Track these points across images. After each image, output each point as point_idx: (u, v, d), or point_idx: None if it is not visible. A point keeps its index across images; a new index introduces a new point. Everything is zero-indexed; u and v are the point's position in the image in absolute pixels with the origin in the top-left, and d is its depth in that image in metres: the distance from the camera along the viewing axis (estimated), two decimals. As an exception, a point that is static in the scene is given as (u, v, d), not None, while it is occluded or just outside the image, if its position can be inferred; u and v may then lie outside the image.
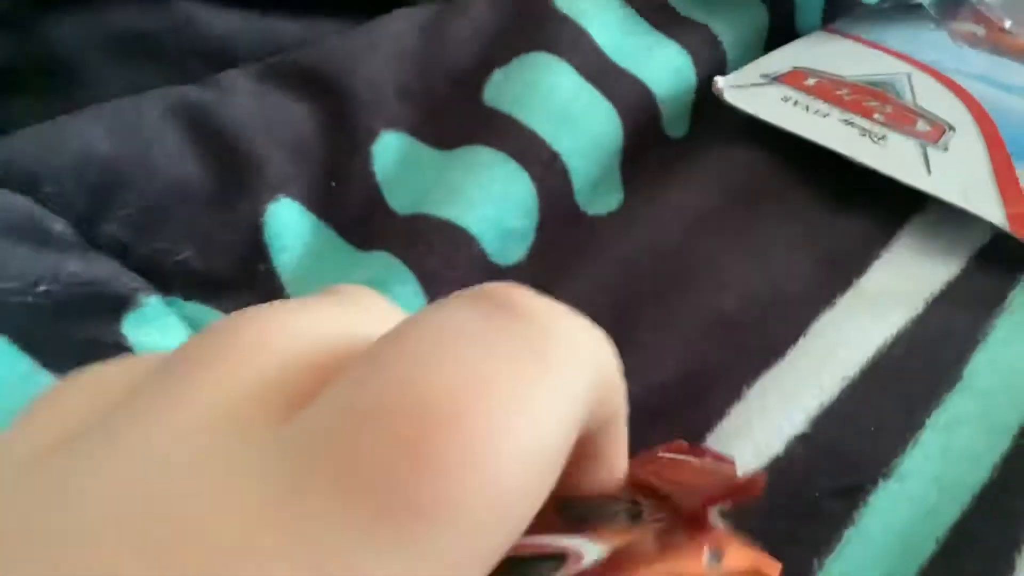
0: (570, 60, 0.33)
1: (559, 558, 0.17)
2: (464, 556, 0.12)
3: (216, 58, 0.34)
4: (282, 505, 0.11)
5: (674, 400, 0.26)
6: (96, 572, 0.11)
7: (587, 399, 0.14)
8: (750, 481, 0.18)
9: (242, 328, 0.14)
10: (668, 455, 0.20)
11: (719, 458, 0.19)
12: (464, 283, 0.20)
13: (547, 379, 0.13)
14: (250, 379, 0.13)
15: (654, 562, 0.16)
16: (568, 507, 0.18)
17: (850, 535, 0.22)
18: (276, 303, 0.15)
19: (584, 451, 0.17)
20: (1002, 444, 0.24)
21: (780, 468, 0.23)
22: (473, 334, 0.14)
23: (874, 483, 0.23)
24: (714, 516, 0.18)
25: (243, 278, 0.29)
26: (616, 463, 0.18)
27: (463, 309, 0.14)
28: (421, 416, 0.12)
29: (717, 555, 0.17)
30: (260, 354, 0.14)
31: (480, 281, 0.15)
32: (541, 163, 0.31)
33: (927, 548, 0.22)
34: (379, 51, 0.33)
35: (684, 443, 0.21)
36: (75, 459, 0.12)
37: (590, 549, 0.17)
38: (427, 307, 0.14)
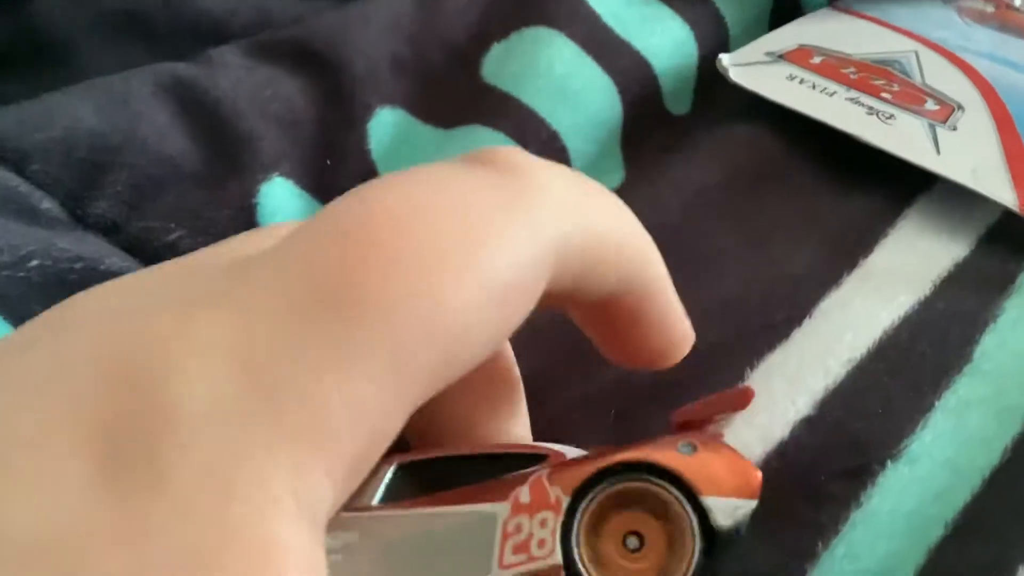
0: (569, 33, 0.32)
1: (540, 457, 0.17)
2: (393, 359, 0.12)
3: (208, 36, 0.33)
4: (225, 292, 0.12)
5: (673, 381, 0.25)
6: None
7: (559, 246, 0.14)
8: (738, 392, 0.18)
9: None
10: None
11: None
12: None
13: (506, 212, 0.14)
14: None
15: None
16: None
17: (856, 517, 0.22)
18: None
19: (615, 315, 0.18)
20: (1013, 427, 0.23)
21: (786, 453, 0.23)
22: (448, 173, 0.14)
23: (882, 465, 0.22)
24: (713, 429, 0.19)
25: None
26: (663, 328, 0.18)
27: (457, 159, 0.15)
28: (367, 221, 0.13)
29: (691, 447, 0.17)
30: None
31: None
32: (539, 142, 0.31)
33: (936, 531, 0.22)
34: (373, 23, 0.32)
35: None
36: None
37: (574, 452, 0.18)
38: None
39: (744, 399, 0.18)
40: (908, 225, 0.29)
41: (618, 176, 0.32)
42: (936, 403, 0.24)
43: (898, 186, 0.30)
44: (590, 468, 0.17)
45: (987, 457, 0.23)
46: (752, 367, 0.25)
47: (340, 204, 0.14)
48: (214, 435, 0.11)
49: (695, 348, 0.25)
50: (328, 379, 0.12)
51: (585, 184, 0.16)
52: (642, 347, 0.19)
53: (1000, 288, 0.27)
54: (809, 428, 0.23)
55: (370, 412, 0.12)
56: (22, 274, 0.24)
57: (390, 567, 0.16)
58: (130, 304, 0.13)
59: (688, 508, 0.16)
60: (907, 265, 0.28)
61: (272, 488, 0.11)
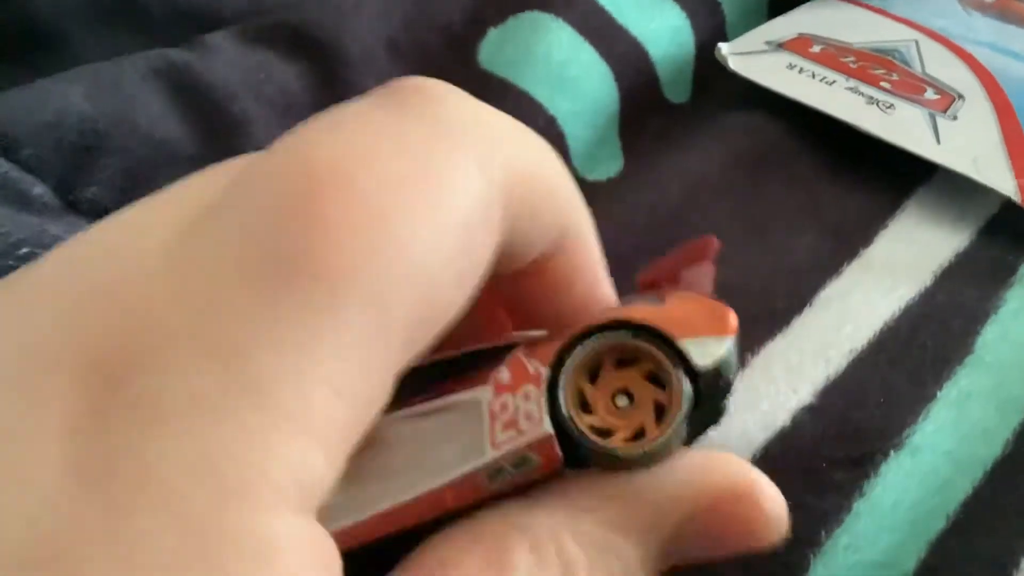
0: (566, 18, 0.32)
1: (510, 347, 0.17)
2: (369, 323, 0.12)
3: (201, 22, 0.33)
4: (183, 274, 0.12)
5: None
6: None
7: (505, 188, 0.14)
8: (701, 242, 0.17)
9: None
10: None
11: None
12: None
13: (451, 148, 0.13)
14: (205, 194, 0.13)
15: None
16: None
17: (859, 507, 0.21)
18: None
19: (546, 275, 0.17)
20: (1015, 418, 0.23)
21: (787, 439, 0.23)
22: (377, 113, 0.13)
23: (885, 455, 0.22)
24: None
25: None
26: (587, 290, 0.18)
27: (373, 96, 0.14)
28: (309, 179, 0.12)
29: (658, 298, 0.17)
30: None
31: None
32: (537, 128, 0.30)
33: (937, 523, 0.21)
34: (367, 7, 0.32)
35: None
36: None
37: (540, 335, 0.17)
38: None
39: (707, 248, 0.17)
40: (908, 215, 0.29)
41: (617, 164, 0.32)
42: (938, 394, 0.23)
43: (898, 176, 0.30)
44: (565, 337, 0.16)
45: (988, 449, 0.23)
46: (753, 353, 0.25)
47: (276, 160, 0.13)
48: (200, 430, 0.11)
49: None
50: (306, 358, 0.11)
51: (510, 120, 0.16)
52: (562, 304, 0.18)
53: (1001, 279, 0.26)
54: (811, 415, 0.23)
55: (356, 382, 0.12)
56: (11, 263, 0.24)
57: (391, 470, 0.16)
58: (93, 278, 0.12)
59: (666, 353, 0.16)
60: (907, 256, 0.28)
61: (269, 480, 0.11)
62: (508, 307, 0.19)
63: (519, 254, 0.16)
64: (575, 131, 0.31)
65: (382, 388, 0.12)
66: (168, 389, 0.11)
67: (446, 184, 0.13)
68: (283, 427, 0.11)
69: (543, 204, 0.15)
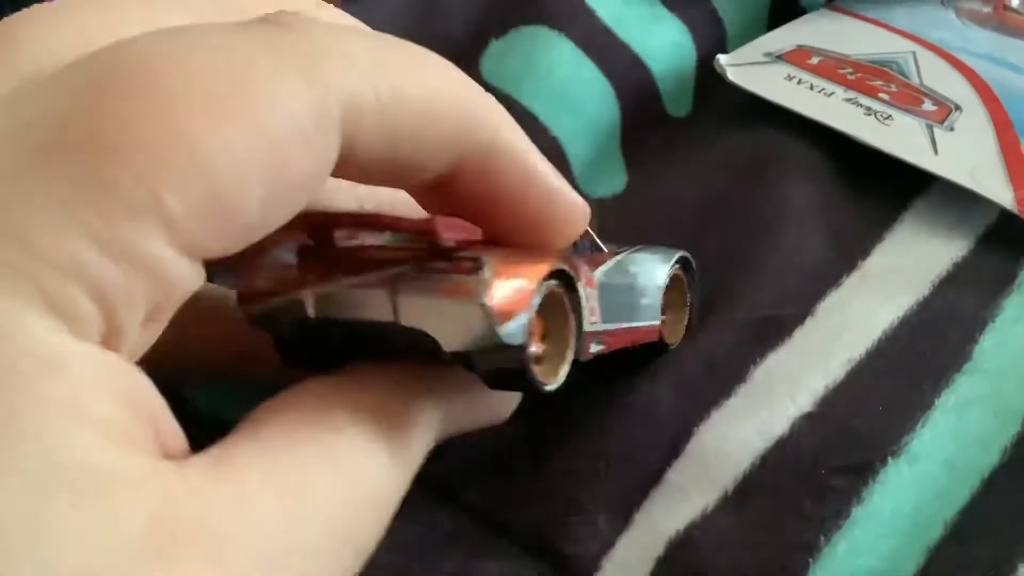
0: (568, 33, 0.32)
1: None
2: (139, 202, 0.12)
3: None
4: None
5: (682, 381, 0.25)
6: None
7: (350, 102, 0.14)
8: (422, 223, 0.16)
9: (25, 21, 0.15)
10: None
11: None
12: None
13: (280, 65, 0.13)
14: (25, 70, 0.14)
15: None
16: None
17: (857, 513, 0.22)
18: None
19: (476, 191, 0.17)
20: (1012, 427, 0.23)
21: (787, 447, 0.23)
22: (222, 28, 0.13)
23: (883, 462, 0.22)
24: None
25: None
26: (532, 195, 0.18)
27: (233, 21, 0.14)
28: (113, 72, 0.12)
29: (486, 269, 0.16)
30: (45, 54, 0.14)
31: None
32: (539, 148, 0.31)
33: (935, 531, 0.22)
34: (369, 19, 0.32)
35: None
36: None
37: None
38: None
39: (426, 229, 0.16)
40: (907, 225, 0.29)
41: (621, 179, 0.33)
42: (936, 402, 0.24)
43: (896, 186, 0.30)
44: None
45: (986, 457, 0.23)
46: (755, 364, 0.25)
47: (94, 51, 0.13)
48: None
49: (699, 347, 0.26)
50: (66, 211, 0.12)
51: (397, 49, 0.16)
52: (516, 218, 0.18)
53: (999, 288, 0.27)
54: (809, 424, 0.23)
55: (119, 239, 0.12)
56: None
57: None
58: None
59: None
60: (906, 265, 0.28)
61: (40, 302, 0.11)
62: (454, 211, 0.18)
63: (411, 171, 0.16)
64: (576, 151, 0.32)
65: (170, 266, 0.13)
66: None
67: (260, 98, 0.13)
68: (45, 270, 0.11)
69: (427, 125, 0.15)
